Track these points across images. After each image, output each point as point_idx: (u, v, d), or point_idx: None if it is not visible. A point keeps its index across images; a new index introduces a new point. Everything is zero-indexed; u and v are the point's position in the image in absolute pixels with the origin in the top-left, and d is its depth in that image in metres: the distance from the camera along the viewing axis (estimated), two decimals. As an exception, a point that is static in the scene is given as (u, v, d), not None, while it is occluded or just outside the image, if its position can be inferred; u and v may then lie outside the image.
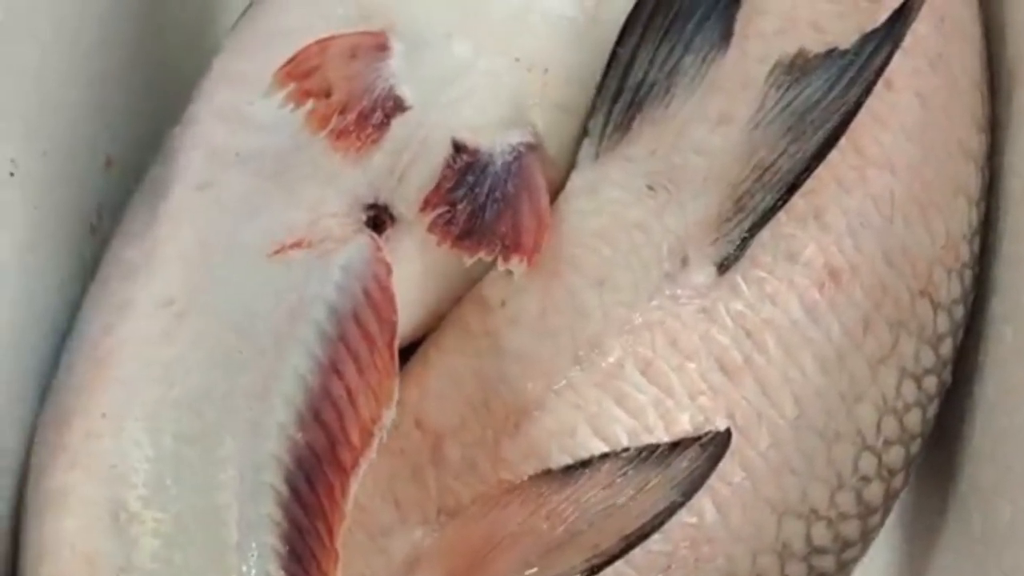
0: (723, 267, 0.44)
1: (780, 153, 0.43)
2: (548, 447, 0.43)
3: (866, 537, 0.50)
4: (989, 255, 0.51)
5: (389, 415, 0.40)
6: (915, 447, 0.50)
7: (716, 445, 0.43)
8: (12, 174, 0.45)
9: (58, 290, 0.49)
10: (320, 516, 0.40)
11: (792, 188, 0.43)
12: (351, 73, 0.45)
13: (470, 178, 0.45)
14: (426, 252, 0.45)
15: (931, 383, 0.49)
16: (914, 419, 0.49)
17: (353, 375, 0.41)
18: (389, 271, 0.43)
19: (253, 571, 0.41)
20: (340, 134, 0.44)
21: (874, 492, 0.48)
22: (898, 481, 0.50)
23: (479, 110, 0.47)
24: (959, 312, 0.49)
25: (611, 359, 0.44)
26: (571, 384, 0.44)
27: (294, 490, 0.41)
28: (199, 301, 0.44)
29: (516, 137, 0.47)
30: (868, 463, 0.48)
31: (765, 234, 0.44)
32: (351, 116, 0.45)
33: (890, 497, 0.50)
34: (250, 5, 0.52)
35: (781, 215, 0.44)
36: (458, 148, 0.46)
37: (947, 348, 0.49)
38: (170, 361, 0.44)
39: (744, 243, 0.43)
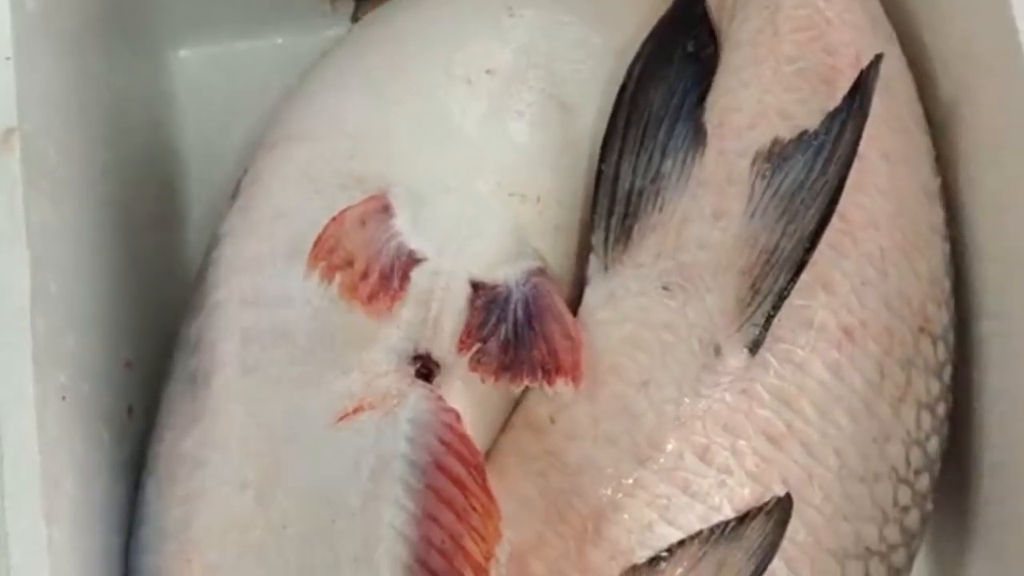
0: (753, 348, 0.47)
1: (780, 235, 0.47)
2: (629, 545, 0.46)
3: (911, 561, 0.53)
4: (968, 282, 0.55)
5: (502, 550, 0.43)
6: (937, 470, 0.54)
7: (781, 510, 0.46)
8: (64, 398, 0.47)
9: (107, 490, 0.51)
10: None
11: (801, 265, 0.46)
12: (365, 239, 0.48)
13: (494, 312, 0.48)
14: (474, 389, 0.48)
15: (942, 409, 0.53)
16: (934, 445, 0.53)
17: (452, 521, 0.44)
18: (458, 417, 0.45)
19: None
20: (369, 297, 0.47)
21: (913, 519, 0.52)
22: (929, 504, 0.54)
23: (487, 247, 0.50)
24: (951, 338, 0.54)
25: (671, 452, 0.47)
26: (639, 483, 0.47)
27: None
28: (276, 481, 0.46)
29: (525, 265, 0.50)
30: (904, 494, 0.51)
31: (781, 309, 0.47)
32: (374, 278, 0.48)
33: (925, 521, 0.54)
34: (236, 193, 0.55)
35: (792, 289, 0.48)
36: (476, 287, 0.49)
37: (948, 374, 0.54)
38: (263, 542, 0.46)
39: (768, 323, 0.47)
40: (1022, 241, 0.50)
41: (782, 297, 0.47)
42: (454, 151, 0.51)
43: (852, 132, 0.47)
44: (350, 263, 0.47)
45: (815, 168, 0.47)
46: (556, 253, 0.51)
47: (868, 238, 0.49)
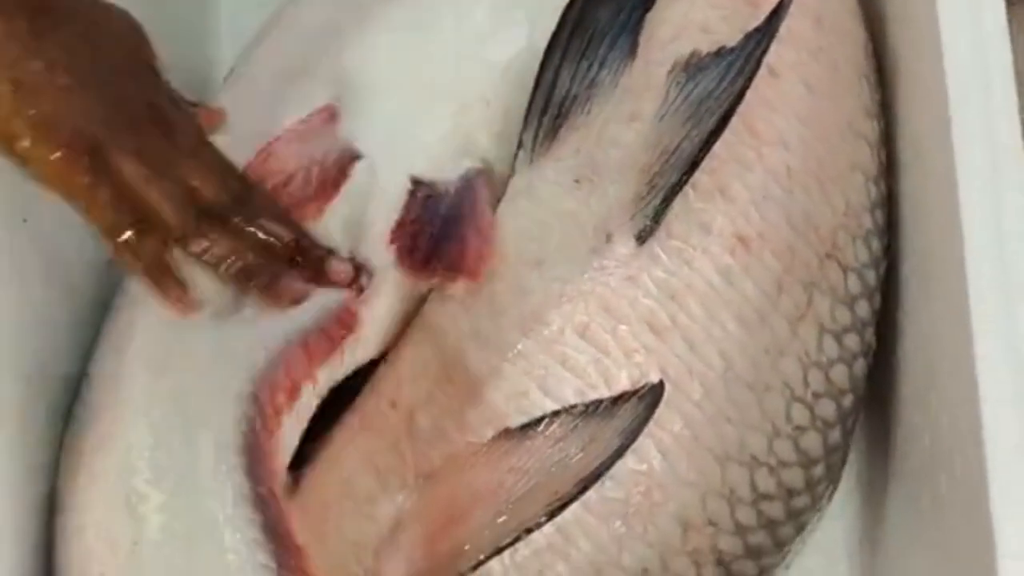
0: (641, 238, 0.50)
1: (682, 138, 0.50)
2: (506, 410, 0.49)
3: (812, 488, 0.55)
4: (896, 226, 0.57)
5: None
6: (847, 401, 0.55)
7: (651, 396, 0.49)
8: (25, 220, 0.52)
9: (73, 326, 0.56)
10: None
11: (694, 165, 0.49)
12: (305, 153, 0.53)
13: (429, 208, 0.52)
14: (400, 287, 0.52)
15: (853, 341, 0.55)
16: (840, 374, 0.54)
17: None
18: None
19: (238, 536, 0.49)
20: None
21: (811, 442, 0.54)
22: (836, 434, 0.55)
23: (432, 146, 0.54)
24: (871, 276, 0.55)
25: (553, 327, 0.50)
26: (521, 353, 0.50)
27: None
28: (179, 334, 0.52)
29: (467, 164, 0.54)
30: (800, 414, 0.53)
31: (678, 209, 0.50)
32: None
33: (830, 450, 0.55)
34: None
35: (690, 192, 0.50)
36: (416, 183, 0.53)
37: (864, 309, 0.55)
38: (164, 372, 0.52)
39: (657, 216, 0.50)
40: (938, 185, 0.51)
41: (673, 193, 0.49)
42: (416, 54, 0.55)
43: (762, 49, 0.49)
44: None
45: (725, 80, 0.50)
46: (499, 158, 0.54)
47: (775, 155, 0.52)
